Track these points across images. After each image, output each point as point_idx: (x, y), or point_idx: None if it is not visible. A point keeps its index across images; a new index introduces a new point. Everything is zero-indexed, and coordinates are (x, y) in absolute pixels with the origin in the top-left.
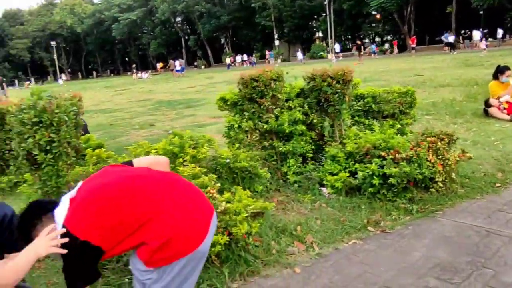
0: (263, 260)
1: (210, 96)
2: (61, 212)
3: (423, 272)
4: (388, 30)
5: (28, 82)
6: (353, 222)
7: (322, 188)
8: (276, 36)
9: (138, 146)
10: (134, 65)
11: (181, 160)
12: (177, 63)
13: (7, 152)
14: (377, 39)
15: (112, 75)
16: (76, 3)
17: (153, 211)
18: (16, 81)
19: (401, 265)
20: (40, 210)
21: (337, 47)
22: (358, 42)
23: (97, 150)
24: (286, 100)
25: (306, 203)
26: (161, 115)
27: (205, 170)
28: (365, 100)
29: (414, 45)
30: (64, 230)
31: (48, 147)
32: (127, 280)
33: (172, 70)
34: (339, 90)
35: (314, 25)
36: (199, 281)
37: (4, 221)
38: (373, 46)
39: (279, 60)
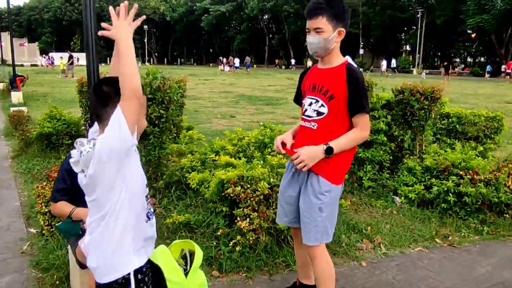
0: (333, 250)
1: (290, 96)
2: None
3: (484, 286)
4: (482, 52)
5: None
6: (422, 232)
7: (395, 196)
8: (361, 45)
9: (233, 132)
10: (221, 58)
11: (269, 150)
12: (236, 60)
13: None
14: (469, 59)
15: (195, 64)
16: None
17: None
18: (108, 59)
19: (464, 277)
20: None
21: (393, 62)
22: (445, 63)
23: (190, 132)
24: (371, 110)
25: (378, 208)
26: (242, 108)
27: None
28: (450, 119)
29: (510, 71)
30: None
31: (156, 121)
32: (214, 243)
33: (231, 66)
34: (426, 106)
35: (403, 37)
36: (275, 256)
37: None
38: (489, 67)
39: (367, 75)
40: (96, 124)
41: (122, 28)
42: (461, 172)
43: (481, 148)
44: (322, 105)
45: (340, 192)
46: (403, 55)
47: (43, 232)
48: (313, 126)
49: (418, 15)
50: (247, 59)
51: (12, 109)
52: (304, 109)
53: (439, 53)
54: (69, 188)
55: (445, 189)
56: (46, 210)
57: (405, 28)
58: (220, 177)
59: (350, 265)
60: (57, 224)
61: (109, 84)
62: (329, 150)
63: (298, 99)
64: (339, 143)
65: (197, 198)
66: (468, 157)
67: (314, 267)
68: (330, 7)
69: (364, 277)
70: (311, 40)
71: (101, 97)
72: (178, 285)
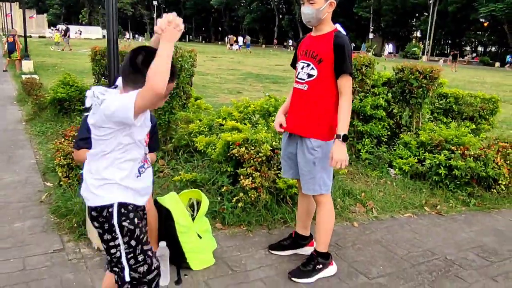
0: None
1: None
2: None
3: (465, 248)
4: (494, 41)
5: (127, 36)
6: (412, 200)
7: (390, 168)
8: (371, 29)
9: (239, 100)
10: (228, 36)
11: (273, 118)
12: (240, 38)
13: None
14: (480, 48)
15: (203, 42)
16: None
17: None
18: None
19: (447, 240)
20: None
21: (390, 48)
22: (456, 52)
23: (198, 101)
24: (373, 86)
25: (373, 177)
26: (248, 85)
27: None
28: (448, 100)
29: None
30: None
31: None
32: (218, 199)
33: (231, 44)
34: (424, 85)
35: (414, 23)
36: (274, 212)
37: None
38: (509, 57)
39: (370, 54)
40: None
41: (170, 33)
42: (453, 147)
43: (473, 126)
44: (312, 68)
45: None
46: (413, 41)
47: (61, 183)
48: (304, 87)
49: (430, 1)
50: (247, 38)
51: (24, 76)
52: (297, 72)
53: (450, 41)
54: (90, 138)
55: (437, 162)
56: (65, 162)
57: (417, 14)
58: (226, 139)
59: (343, 225)
60: (82, 171)
61: (145, 54)
62: (344, 138)
63: (294, 64)
64: (343, 121)
65: (204, 160)
66: (460, 134)
67: (318, 213)
68: None
69: (355, 236)
70: (305, 10)
71: (133, 63)
72: (185, 228)
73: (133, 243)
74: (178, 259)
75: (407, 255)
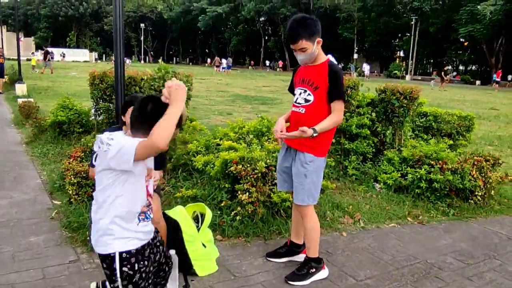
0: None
1: (284, 97)
2: None
3: (444, 252)
4: (474, 60)
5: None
6: (396, 212)
7: (375, 183)
8: (355, 49)
9: (234, 122)
10: (216, 58)
11: (266, 138)
12: (223, 61)
13: None
14: (461, 67)
15: (190, 64)
16: None
17: None
18: (104, 56)
19: (428, 246)
20: None
21: (366, 68)
22: (445, 68)
23: (193, 123)
24: (357, 107)
25: (359, 192)
26: (238, 107)
27: None
28: (427, 118)
29: (498, 79)
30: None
31: None
32: (218, 213)
33: (217, 66)
34: (404, 105)
35: (397, 43)
36: (270, 225)
37: None
38: (495, 76)
39: (355, 74)
40: None
41: (175, 94)
42: (432, 162)
43: (451, 142)
44: (309, 94)
45: (324, 164)
46: (397, 61)
47: (71, 200)
48: (302, 110)
49: (412, 22)
50: (229, 60)
51: (21, 100)
52: (295, 98)
53: (432, 60)
54: None
55: (418, 176)
56: (75, 181)
57: (399, 35)
58: (224, 157)
59: (333, 235)
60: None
61: (153, 105)
62: (314, 131)
63: (291, 89)
64: (323, 124)
65: (202, 177)
66: (439, 149)
67: (304, 224)
68: (305, 30)
69: (344, 244)
70: (301, 57)
71: (142, 112)
72: (192, 237)
73: (130, 287)
74: (186, 266)
75: (392, 260)
